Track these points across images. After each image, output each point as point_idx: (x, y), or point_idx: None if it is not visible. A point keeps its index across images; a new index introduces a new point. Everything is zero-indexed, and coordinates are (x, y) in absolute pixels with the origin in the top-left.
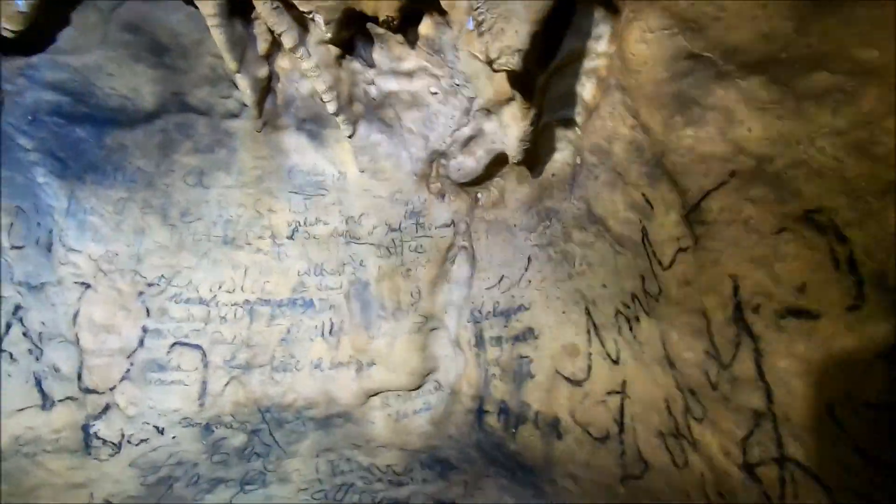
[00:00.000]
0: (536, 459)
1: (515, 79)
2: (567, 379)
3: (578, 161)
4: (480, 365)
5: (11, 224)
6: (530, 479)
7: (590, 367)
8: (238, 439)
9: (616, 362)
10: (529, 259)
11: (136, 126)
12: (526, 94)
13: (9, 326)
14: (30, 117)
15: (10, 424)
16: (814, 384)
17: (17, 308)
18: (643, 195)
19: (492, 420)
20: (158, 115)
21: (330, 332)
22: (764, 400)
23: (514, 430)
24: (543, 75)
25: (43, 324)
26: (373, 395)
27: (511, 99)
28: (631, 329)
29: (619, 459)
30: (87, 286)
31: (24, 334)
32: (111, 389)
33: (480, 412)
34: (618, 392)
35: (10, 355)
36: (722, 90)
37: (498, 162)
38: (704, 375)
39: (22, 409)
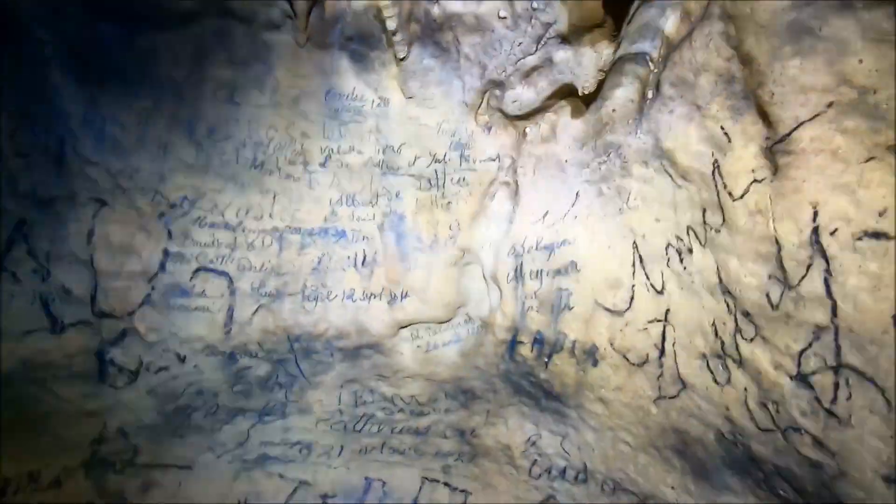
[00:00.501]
0: (567, 386)
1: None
2: (607, 309)
3: (650, 95)
4: (517, 297)
5: (16, 128)
6: (555, 405)
7: (632, 298)
8: (262, 369)
9: (660, 293)
10: (577, 194)
11: (170, 29)
12: (617, 21)
13: (11, 243)
14: (53, 5)
15: (17, 348)
16: (881, 298)
17: (21, 223)
18: (722, 128)
19: (525, 350)
20: (196, 18)
21: (363, 263)
22: (828, 314)
23: (546, 360)
24: (634, 4)
25: (51, 242)
26: (403, 327)
27: (598, 25)
28: (681, 261)
29: (656, 382)
30: (104, 203)
31: (29, 252)
32: (130, 314)
33: (513, 343)
34: (660, 320)
35: (13, 275)
36: (841, 20)
37: (557, 95)
38: (765, 297)
39: (30, 332)
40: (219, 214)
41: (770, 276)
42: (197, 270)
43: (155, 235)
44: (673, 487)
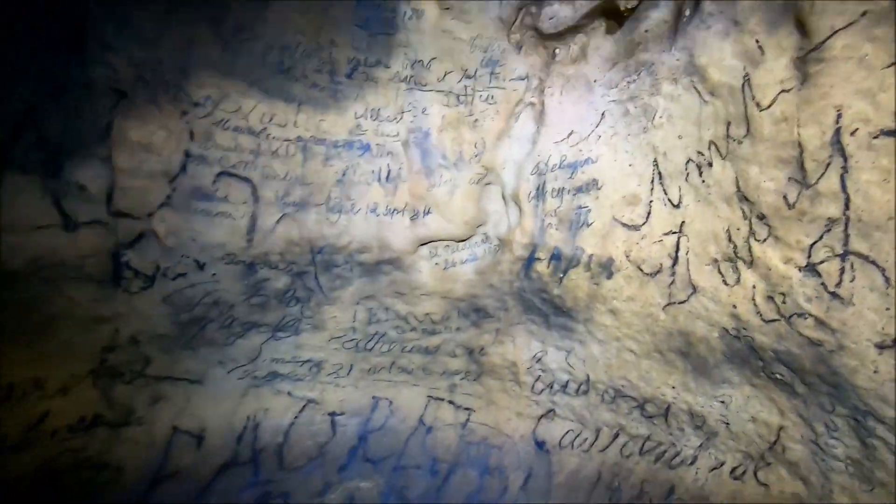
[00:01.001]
0: (578, 301)
1: None
2: (625, 225)
3: (687, 13)
4: (537, 215)
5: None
6: (563, 321)
7: (649, 214)
8: (281, 282)
9: (677, 206)
10: (603, 115)
11: None
12: None
13: (20, 130)
14: None
15: (26, 244)
16: (889, 190)
17: (32, 110)
18: (757, 41)
19: (541, 267)
20: None
21: (387, 179)
22: (841, 208)
23: (562, 276)
24: None
25: (64, 133)
26: (423, 245)
27: None
28: (700, 174)
29: (667, 289)
30: (124, 95)
31: (39, 143)
32: (148, 215)
33: (530, 260)
34: (675, 232)
35: (21, 166)
36: None
37: (593, 13)
38: (782, 199)
39: (40, 228)
40: (242, 118)
41: (789, 179)
42: (220, 175)
43: (176, 135)
44: (673, 387)
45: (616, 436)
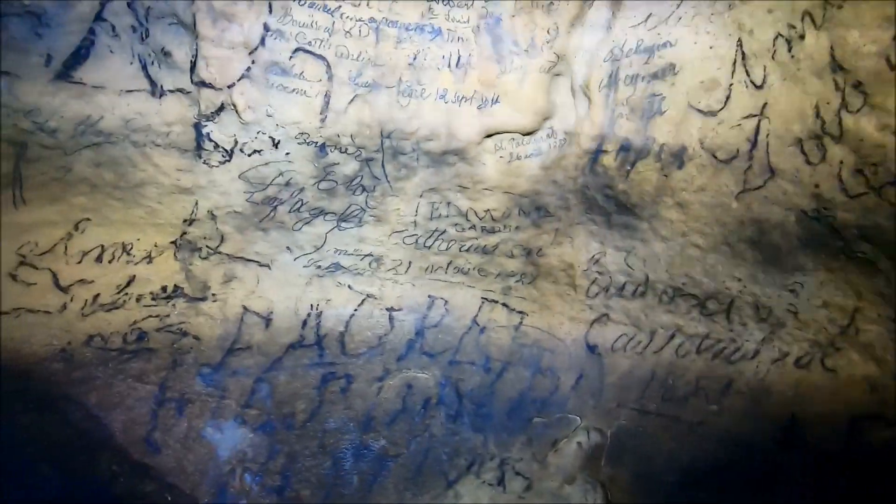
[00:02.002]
0: (645, 195)
1: None
2: (700, 111)
3: None
4: (608, 105)
5: None
6: (626, 219)
7: (728, 98)
8: (349, 167)
9: (759, 87)
10: None
11: None
12: None
13: None
14: None
15: (118, 104)
16: None
17: None
18: None
19: (607, 160)
20: None
21: (457, 64)
22: None
23: (629, 168)
24: None
25: None
26: (489, 136)
27: None
28: (789, 49)
29: (742, 175)
30: None
31: (129, 6)
32: (229, 87)
33: (597, 153)
34: (755, 115)
35: (112, 27)
36: None
37: None
38: (884, 61)
39: (129, 92)
40: None
41: (895, 38)
42: (296, 50)
43: (256, 6)
44: (739, 280)
45: (672, 337)
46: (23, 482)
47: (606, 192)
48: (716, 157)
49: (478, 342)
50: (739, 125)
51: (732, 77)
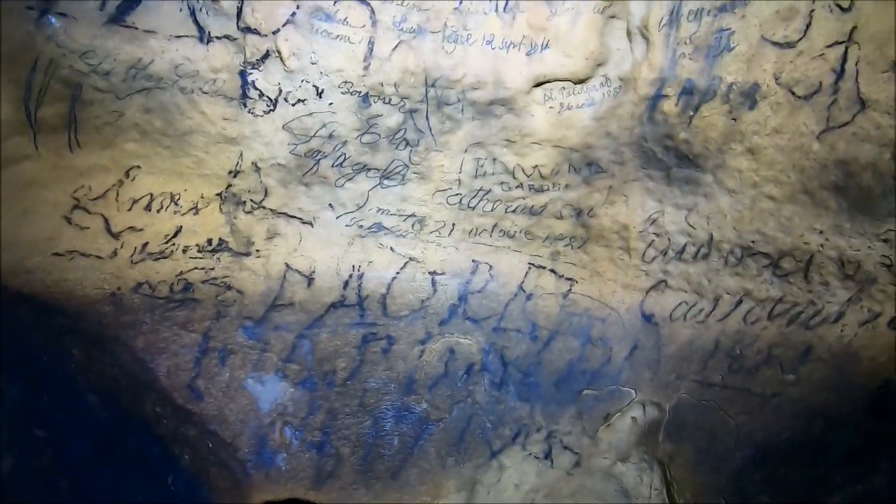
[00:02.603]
0: (710, 142)
1: None
2: (776, 44)
3: None
4: (668, 45)
5: None
6: (688, 172)
7: (808, 26)
8: (393, 119)
9: (847, 10)
10: None
11: None
12: None
13: None
14: None
15: (168, 48)
16: None
17: None
18: None
19: (668, 106)
20: None
21: (504, 8)
22: None
23: (692, 114)
24: None
25: None
26: (538, 85)
27: None
28: None
29: (825, 112)
30: None
31: None
32: (274, 33)
33: (656, 99)
34: (841, 42)
35: None
36: None
37: None
38: None
39: (178, 37)
40: None
41: None
42: None
43: None
44: (821, 232)
45: (739, 303)
46: (73, 409)
47: (666, 142)
48: (794, 94)
49: (524, 309)
50: (822, 55)
51: (814, 2)
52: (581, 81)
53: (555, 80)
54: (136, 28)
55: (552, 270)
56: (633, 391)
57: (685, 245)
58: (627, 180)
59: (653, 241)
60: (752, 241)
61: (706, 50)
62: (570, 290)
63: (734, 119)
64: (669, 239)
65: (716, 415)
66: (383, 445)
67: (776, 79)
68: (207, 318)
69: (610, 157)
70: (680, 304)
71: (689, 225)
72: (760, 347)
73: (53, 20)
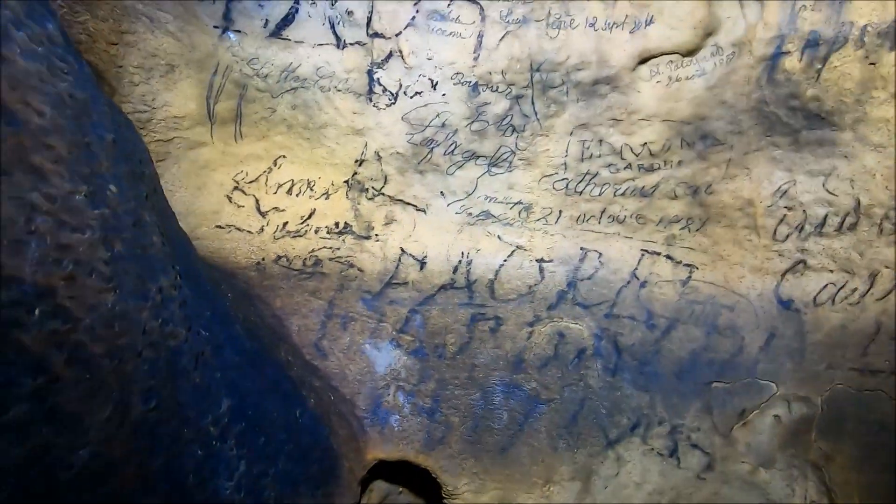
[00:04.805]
0: (845, 94)
1: None
2: None
3: None
4: (786, 0)
5: None
6: (821, 133)
7: None
8: (500, 106)
9: None
10: None
11: None
12: None
13: None
14: None
15: (312, 55)
16: None
17: None
18: None
19: (790, 63)
20: None
21: None
22: None
23: (820, 67)
24: None
25: None
26: (644, 62)
27: None
28: None
29: None
30: None
31: None
32: (396, 35)
33: (776, 57)
34: None
35: None
36: None
37: None
38: None
39: (321, 45)
40: None
41: None
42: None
43: None
44: None
45: None
46: (228, 330)
47: (791, 103)
48: None
49: (638, 297)
50: None
51: None
52: (690, 53)
53: (661, 55)
54: (290, 39)
55: (668, 256)
56: (773, 384)
57: (825, 216)
58: (749, 151)
59: (784, 216)
60: None
61: None
62: (689, 276)
63: (872, 64)
64: (805, 211)
65: (884, 404)
66: (492, 419)
67: None
68: (332, 289)
69: (726, 127)
70: (826, 286)
71: (829, 192)
72: None
73: (232, 35)
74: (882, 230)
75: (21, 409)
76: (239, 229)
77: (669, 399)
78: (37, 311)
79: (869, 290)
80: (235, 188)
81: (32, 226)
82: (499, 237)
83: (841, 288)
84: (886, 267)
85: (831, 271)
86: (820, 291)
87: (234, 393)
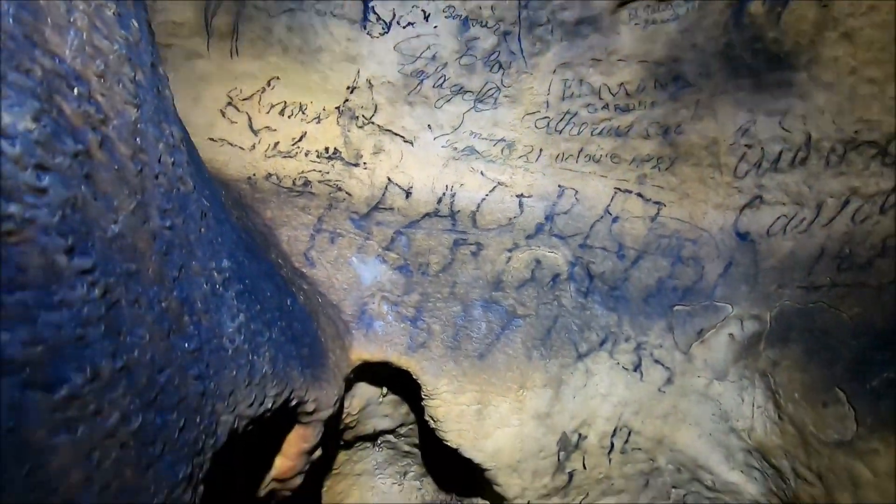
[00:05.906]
0: (802, 35)
1: None
2: None
3: None
4: None
5: None
6: (779, 75)
7: None
8: (489, 42)
9: None
10: None
11: None
12: None
13: None
14: None
15: None
16: None
17: None
18: None
19: (755, 6)
20: None
21: None
22: None
23: (780, 10)
24: None
25: None
26: (624, 4)
27: None
28: None
29: None
30: None
31: None
32: None
33: (742, 2)
34: None
35: None
36: None
37: None
38: None
39: None
40: None
41: None
42: None
43: None
44: None
45: (845, 203)
46: (220, 215)
47: (755, 45)
48: None
49: (610, 230)
50: None
51: None
52: None
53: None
54: None
55: (639, 195)
56: (728, 306)
57: (780, 152)
58: (715, 93)
59: (745, 153)
60: (856, 132)
61: None
62: (658, 213)
63: (825, 6)
64: (763, 148)
65: (826, 314)
66: (472, 328)
67: None
68: (322, 207)
69: (696, 69)
70: (778, 218)
71: (784, 129)
72: (874, 242)
73: None
74: (829, 163)
75: (64, 162)
76: (231, 144)
77: (636, 319)
78: (75, 91)
79: (815, 218)
80: (229, 104)
81: (72, 17)
82: (482, 173)
83: (791, 219)
84: (831, 197)
85: (783, 204)
86: (773, 223)
87: (233, 260)
